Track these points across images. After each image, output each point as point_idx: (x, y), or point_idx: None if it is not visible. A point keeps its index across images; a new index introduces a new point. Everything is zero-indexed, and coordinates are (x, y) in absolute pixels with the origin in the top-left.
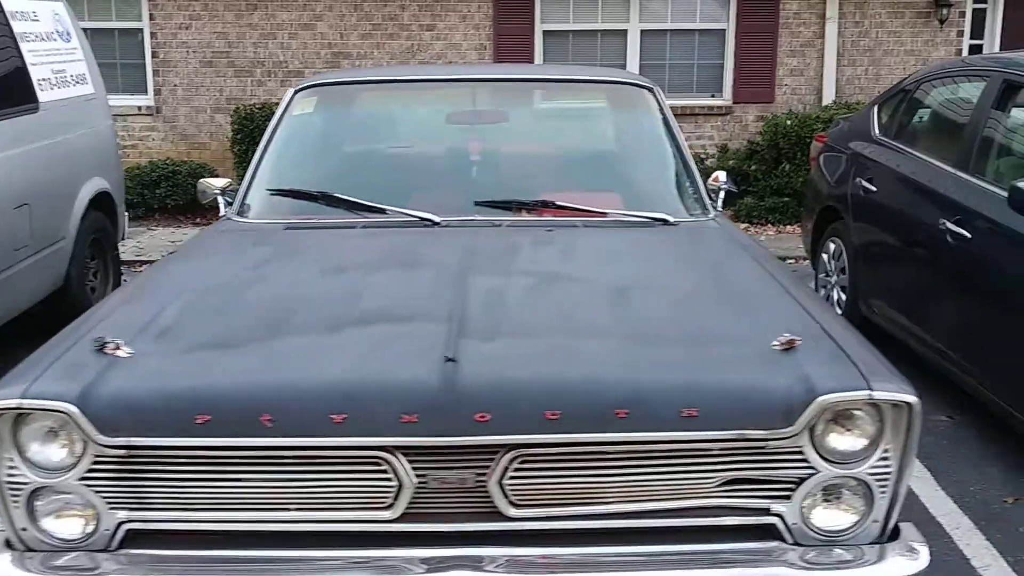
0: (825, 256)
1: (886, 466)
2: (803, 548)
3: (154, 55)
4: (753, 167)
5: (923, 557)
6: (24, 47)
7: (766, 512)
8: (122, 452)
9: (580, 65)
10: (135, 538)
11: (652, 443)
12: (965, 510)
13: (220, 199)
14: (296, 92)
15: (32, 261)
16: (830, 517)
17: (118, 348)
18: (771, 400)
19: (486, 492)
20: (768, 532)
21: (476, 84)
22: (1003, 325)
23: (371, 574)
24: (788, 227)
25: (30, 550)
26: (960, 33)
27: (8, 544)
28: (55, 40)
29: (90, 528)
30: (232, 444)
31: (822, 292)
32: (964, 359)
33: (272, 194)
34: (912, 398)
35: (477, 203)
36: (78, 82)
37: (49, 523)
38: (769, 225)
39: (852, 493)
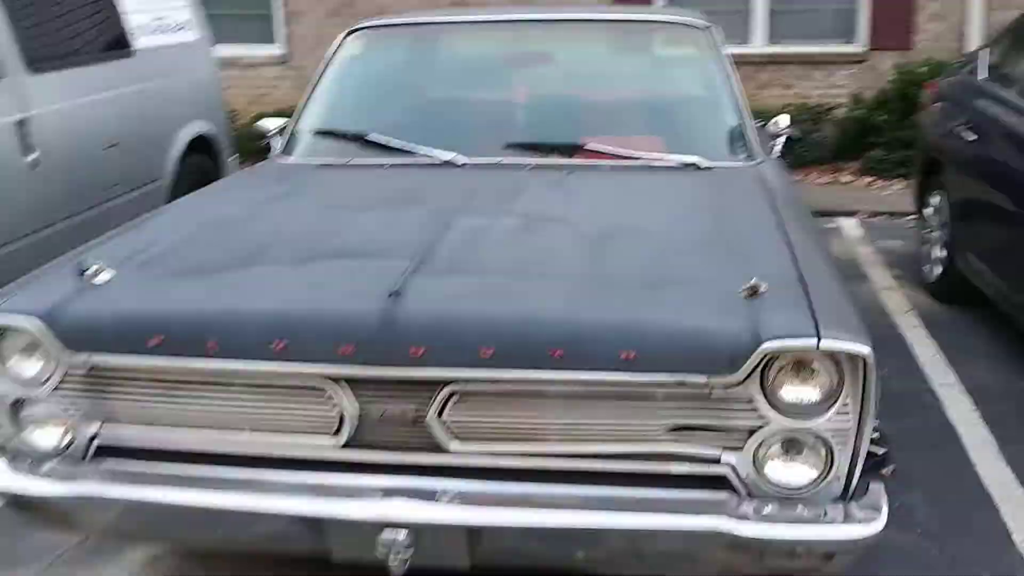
0: (928, 210)
1: (844, 421)
2: (758, 501)
3: (284, 5)
4: (883, 117)
5: (882, 517)
6: None
7: (716, 461)
8: (86, 369)
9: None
10: (107, 452)
11: (591, 384)
12: (1021, 479)
13: (273, 139)
14: (346, 35)
15: (127, 199)
16: (787, 472)
17: (97, 272)
18: (714, 345)
19: (427, 426)
20: (721, 483)
21: (524, 24)
22: None
23: (319, 498)
24: None
25: (16, 458)
26: None
27: (2, 449)
28: None
29: (67, 440)
30: (182, 366)
31: (924, 248)
32: None
33: (314, 134)
34: (863, 349)
35: (507, 145)
36: (179, 29)
37: (31, 433)
38: (897, 179)
39: (810, 448)
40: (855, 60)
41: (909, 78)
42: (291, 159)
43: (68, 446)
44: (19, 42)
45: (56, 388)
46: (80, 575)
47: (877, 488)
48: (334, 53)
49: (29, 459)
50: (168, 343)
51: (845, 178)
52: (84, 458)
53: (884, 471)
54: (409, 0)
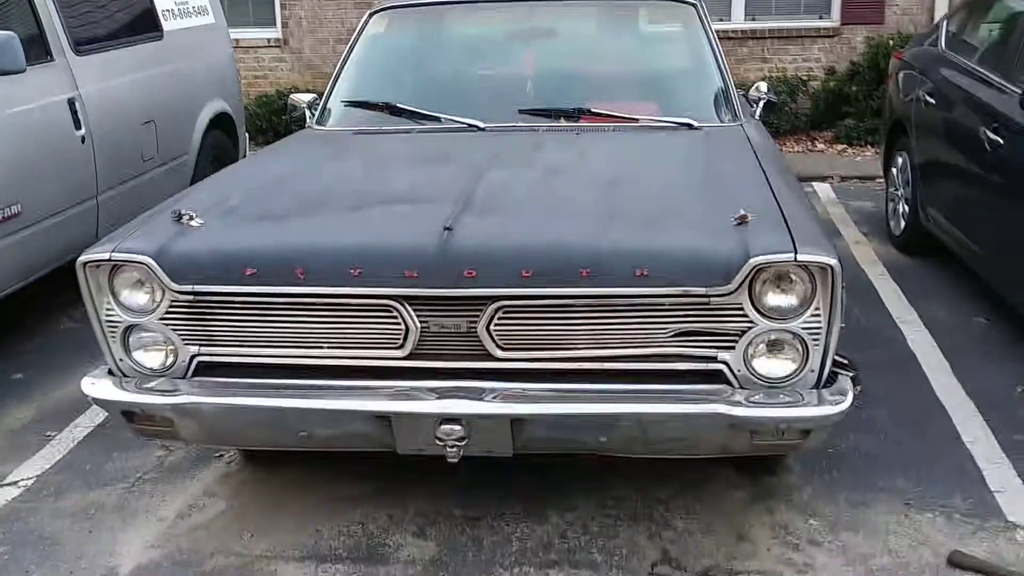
0: (894, 170)
1: (817, 322)
2: (749, 390)
3: None
4: (854, 88)
5: (847, 399)
6: None
7: (714, 360)
8: (190, 297)
9: None
10: (204, 369)
11: (611, 297)
12: (972, 396)
13: (306, 111)
14: (371, 14)
15: (159, 171)
16: (771, 365)
17: (192, 219)
18: (712, 261)
19: (477, 337)
20: (717, 378)
21: (529, 4)
22: (1021, 225)
23: (389, 399)
24: None
25: (126, 377)
26: None
27: (110, 372)
28: None
29: (170, 360)
30: (273, 291)
31: (891, 206)
32: (997, 263)
33: (345, 105)
34: (832, 261)
35: (521, 111)
36: (199, 13)
37: (139, 355)
38: (869, 146)
39: (789, 345)
40: (829, 34)
41: (880, 51)
42: (327, 127)
43: (171, 365)
44: (66, 27)
45: (162, 316)
46: (161, 491)
47: (843, 379)
48: (359, 32)
49: (136, 377)
50: (261, 273)
51: (820, 146)
52: (185, 375)
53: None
54: None
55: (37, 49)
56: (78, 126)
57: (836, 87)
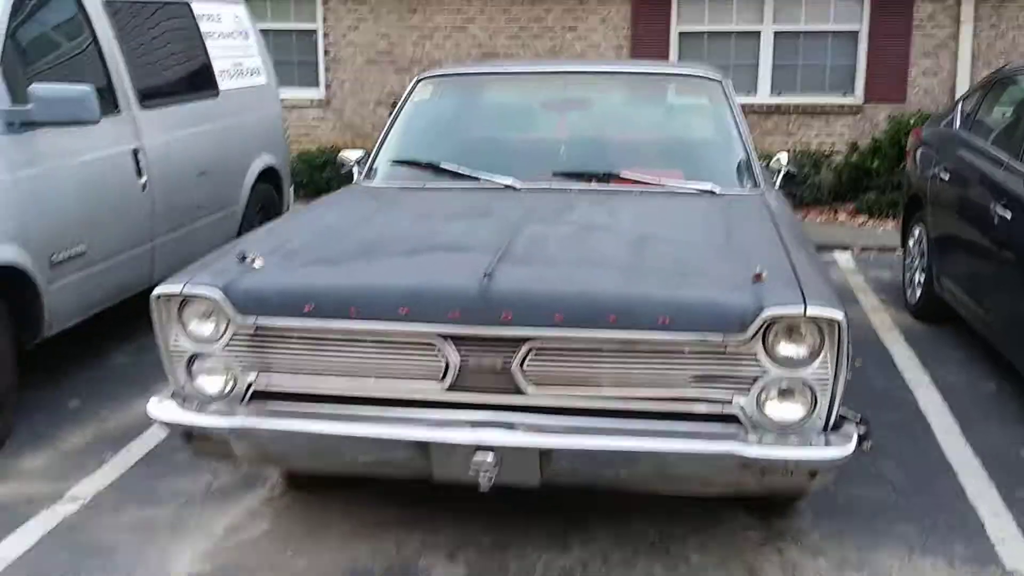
0: (911, 242)
1: (825, 371)
2: (760, 432)
3: (326, 53)
4: (875, 163)
5: (851, 443)
6: (209, 44)
7: (729, 403)
8: (253, 329)
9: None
10: (260, 396)
11: (636, 341)
12: (978, 455)
13: (355, 167)
14: (417, 81)
15: (211, 220)
16: (782, 410)
17: (255, 260)
18: (729, 312)
19: (511, 374)
20: (732, 421)
21: (565, 76)
22: None
23: (428, 428)
24: None
25: (187, 401)
26: None
27: (173, 395)
28: (235, 38)
29: (229, 386)
30: (328, 326)
31: (907, 275)
32: (1006, 331)
33: (392, 163)
34: (838, 316)
35: (555, 173)
36: (252, 74)
37: (201, 381)
38: (888, 218)
39: (799, 392)
40: (852, 111)
41: (900, 128)
42: (374, 183)
43: (230, 391)
44: (133, 82)
45: (225, 346)
46: (209, 511)
47: (849, 425)
48: (407, 97)
49: (196, 401)
50: (319, 308)
51: (841, 217)
52: (242, 401)
53: (864, 445)
54: (441, 49)
55: (106, 101)
56: (140, 175)
57: (858, 161)
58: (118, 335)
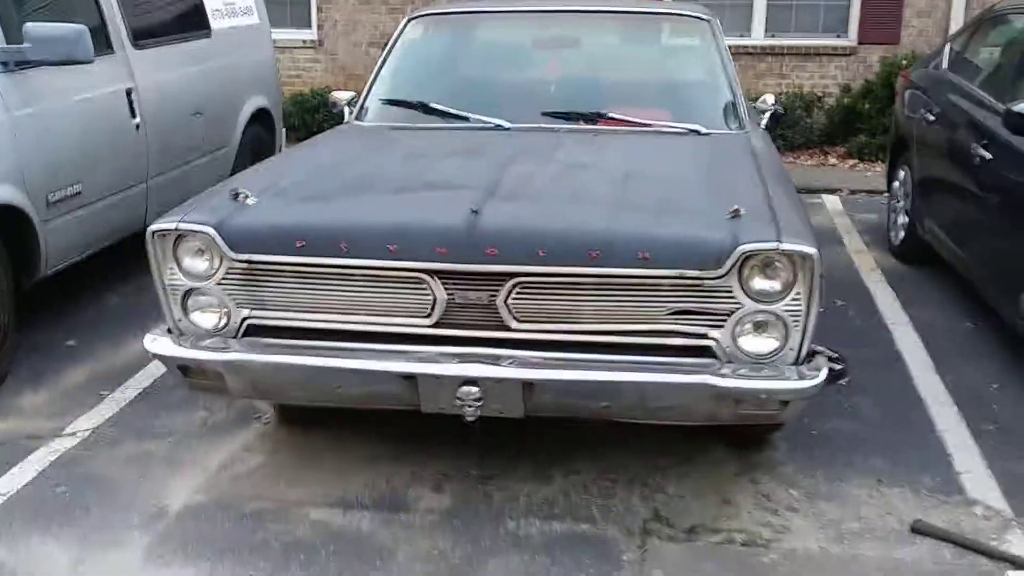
0: (896, 184)
1: (797, 305)
2: (735, 364)
3: None
4: (867, 106)
5: (822, 376)
6: None
7: (705, 336)
8: (245, 265)
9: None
10: (253, 331)
11: (616, 276)
12: (950, 391)
13: (346, 108)
14: (408, 20)
15: (204, 161)
16: (756, 343)
17: (247, 198)
18: (706, 248)
19: (496, 309)
20: (708, 353)
21: (555, 15)
22: (1007, 239)
23: (415, 362)
24: None
25: (183, 336)
26: None
27: (169, 331)
28: None
29: (223, 321)
30: (319, 262)
31: (892, 217)
32: (983, 272)
33: (383, 103)
34: (811, 250)
35: (543, 113)
36: (245, 14)
37: (196, 316)
38: (879, 161)
39: (772, 325)
40: (846, 53)
41: (893, 70)
42: (365, 123)
43: (224, 327)
44: (126, 21)
45: (219, 282)
46: (204, 446)
47: (819, 358)
48: (397, 36)
49: (191, 336)
50: (310, 245)
51: (832, 160)
52: (236, 335)
53: (842, 381)
54: None
55: (99, 41)
56: (134, 115)
57: (850, 104)
58: (113, 276)
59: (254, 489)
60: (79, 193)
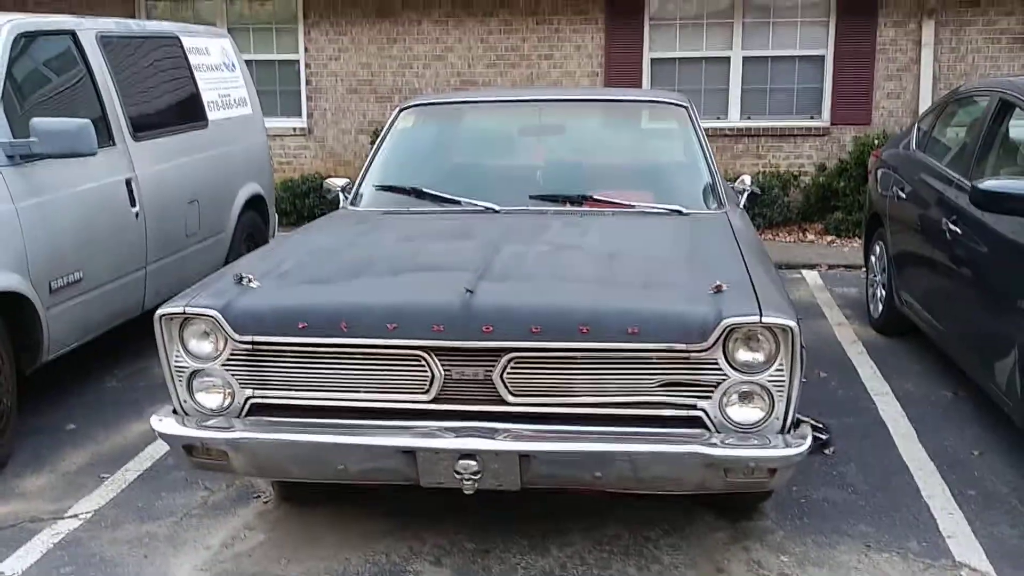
0: (872, 258)
1: (780, 376)
2: (723, 434)
3: (307, 83)
4: (842, 184)
5: (807, 443)
6: (198, 76)
7: (693, 407)
8: (249, 346)
9: (671, 89)
10: (257, 410)
11: (607, 351)
12: (933, 458)
13: (340, 194)
14: (400, 110)
15: (200, 246)
16: (743, 413)
17: (250, 281)
18: (692, 322)
19: (492, 384)
20: (697, 423)
21: (540, 104)
22: (980, 310)
23: (415, 437)
24: None
25: (187, 416)
26: None
27: (175, 411)
28: (222, 70)
29: (227, 401)
30: (321, 342)
31: (870, 291)
32: (959, 342)
33: (376, 189)
34: (791, 323)
35: (531, 196)
36: (239, 104)
37: (201, 396)
38: (855, 237)
39: (758, 395)
40: (820, 133)
41: (866, 149)
42: (360, 208)
43: (228, 406)
44: (126, 114)
45: (223, 363)
46: (206, 524)
47: (804, 426)
48: (389, 125)
49: (196, 416)
50: (312, 326)
51: (810, 237)
52: (239, 415)
53: (827, 451)
54: (421, 78)
55: (101, 133)
56: (133, 204)
57: (826, 182)
58: (110, 362)
59: (256, 566)
60: (80, 280)
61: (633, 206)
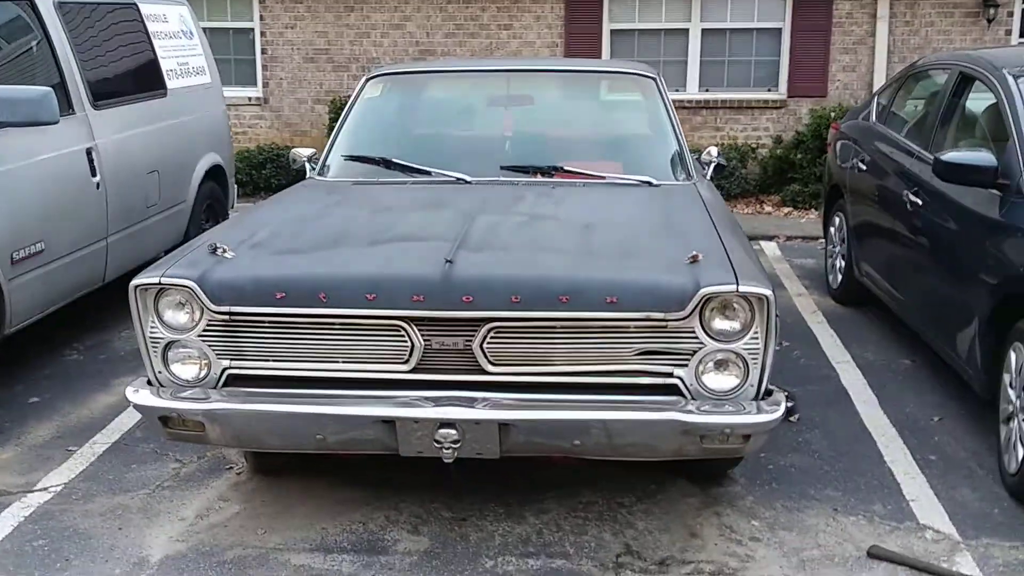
0: (832, 230)
1: (755, 344)
2: (699, 401)
3: (263, 52)
4: (799, 156)
5: (780, 409)
6: (156, 44)
7: (670, 375)
8: (226, 317)
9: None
10: (233, 381)
11: (586, 320)
12: (894, 424)
13: (307, 164)
14: (367, 79)
15: (160, 217)
16: (719, 380)
17: (225, 251)
18: (669, 292)
19: (472, 353)
20: (673, 391)
21: (509, 74)
22: (941, 280)
23: (394, 406)
24: None
25: (163, 387)
26: (1008, 32)
27: (149, 383)
28: (180, 38)
29: (203, 372)
30: (299, 312)
31: (829, 262)
32: (918, 311)
33: (345, 159)
34: (767, 292)
35: (502, 167)
36: (198, 73)
37: (176, 368)
38: (812, 209)
39: (733, 363)
40: (777, 106)
41: (822, 122)
42: (328, 178)
43: (204, 377)
44: (86, 82)
45: (199, 334)
46: (179, 496)
47: (778, 393)
48: (357, 94)
49: (172, 387)
50: (290, 296)
51: (767, 208)
52: (216, 386)
53: (792, 417)
54: (379, 47)
55: (60, 101)
56: (94, 173)
57: (783, 154)
58: (70, 334)
59: (232, 537)
60: (42, 251)
61: (604, 177)
